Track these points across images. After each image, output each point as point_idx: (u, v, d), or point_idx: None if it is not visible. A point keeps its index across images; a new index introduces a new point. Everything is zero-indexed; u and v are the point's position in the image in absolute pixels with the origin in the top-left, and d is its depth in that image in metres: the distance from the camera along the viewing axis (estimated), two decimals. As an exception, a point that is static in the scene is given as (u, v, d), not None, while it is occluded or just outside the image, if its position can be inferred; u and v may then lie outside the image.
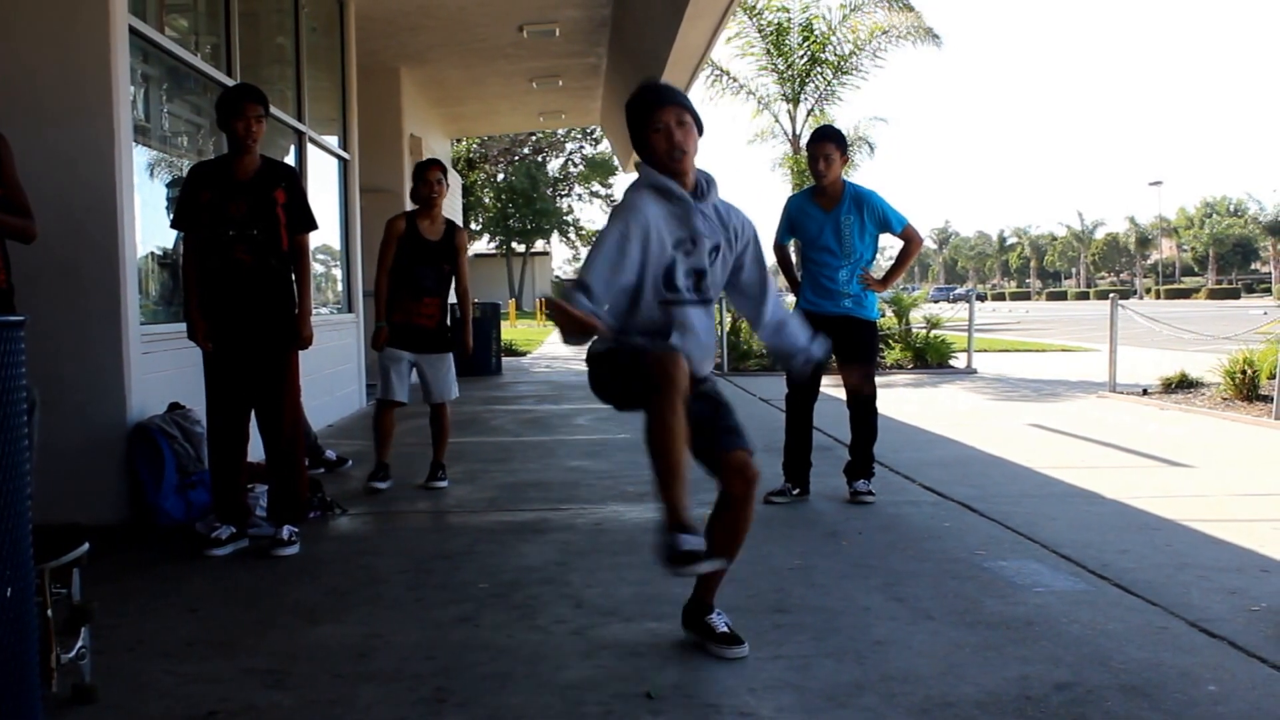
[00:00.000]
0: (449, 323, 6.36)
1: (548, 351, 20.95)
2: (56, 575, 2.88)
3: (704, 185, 3.25)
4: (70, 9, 5.09)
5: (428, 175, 6.12)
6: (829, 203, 5.65)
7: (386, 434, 6.26)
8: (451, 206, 17.98)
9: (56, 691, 2.84)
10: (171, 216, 4.87)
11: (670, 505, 2.96)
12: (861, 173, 21.17)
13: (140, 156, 5.96)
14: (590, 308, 3.04)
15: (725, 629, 3.33)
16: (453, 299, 6.45)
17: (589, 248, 3.39)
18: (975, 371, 14.21)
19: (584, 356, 3.38)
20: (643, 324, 3.19)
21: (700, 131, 3.21)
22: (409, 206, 6.41)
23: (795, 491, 5.70)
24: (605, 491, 6.08)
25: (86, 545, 2.95)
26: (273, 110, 7.58)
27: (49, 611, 2.80)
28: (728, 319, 15.60)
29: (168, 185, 6.50)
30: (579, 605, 3.86)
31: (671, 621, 3.58)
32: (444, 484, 6.28)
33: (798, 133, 18.34)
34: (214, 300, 4.71)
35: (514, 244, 59.34)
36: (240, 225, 4.64)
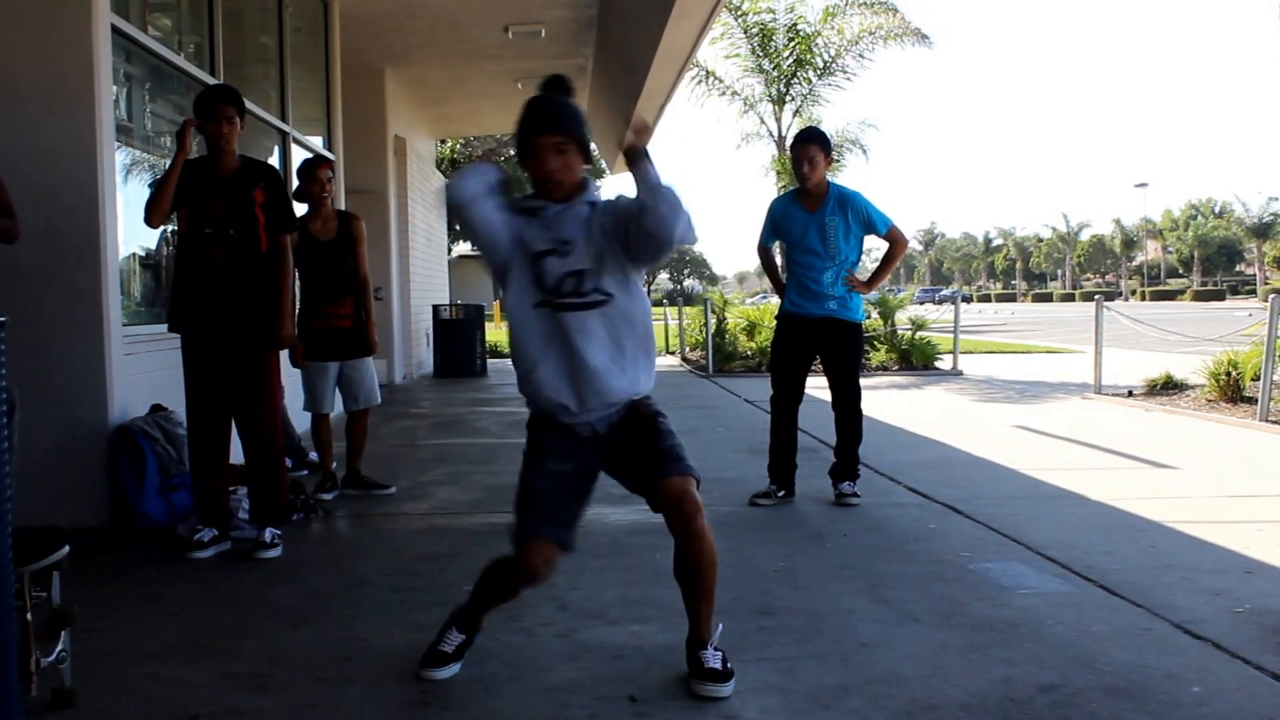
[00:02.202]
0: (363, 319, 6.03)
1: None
2: (36, 578, 2.86)
3: (584, 186, 3.05)
4: (53, 8, 5.05)
5: (317, 174, 5.90)
6: (813, 204, 5.64)
7: (326, 444, 6.12)
8: (440, 210, 17.96)
9: (36, 695, 2.82)
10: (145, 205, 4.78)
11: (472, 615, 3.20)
12: (848, 174, 21.25)
13: (123, 156, 5.92)
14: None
15: (714, 665, 3.03)
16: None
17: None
18: (961, 373, 14.24)
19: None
20: (535, 340, 3.01)
21: (586, 156, 3.03)
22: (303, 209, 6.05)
23: (780, 493, 5.70)
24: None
25: (67, 548, 2.92)
26: (256, 110, 7.58)
27: (28, 615, 2.77)
28: (713, 320, 15.62)
29: (150, 185, 6.46)
30: (563, 608, 3.84)
31: (655, 624, 3.57)
32: (332, 495, 5.98)
33: (783, 134, 18.37)
34: (192, 300, 4.68)
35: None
36: (218, 224, 4.61)
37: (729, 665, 3.04)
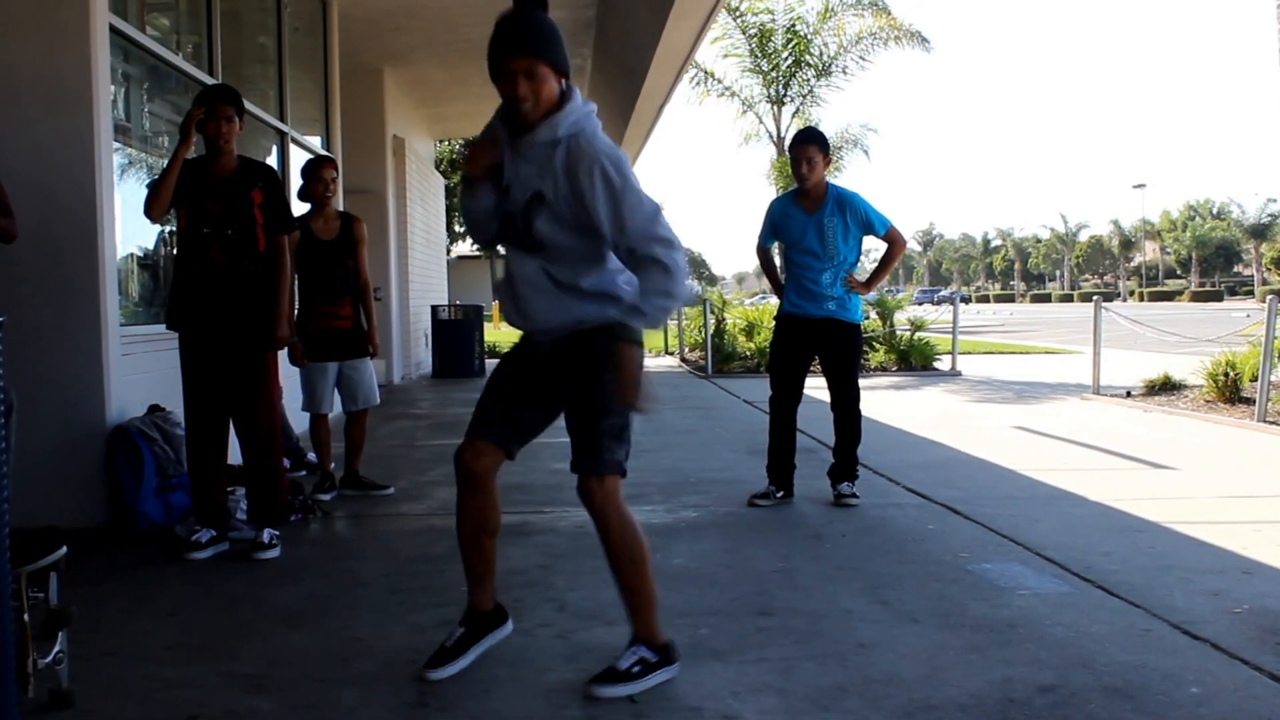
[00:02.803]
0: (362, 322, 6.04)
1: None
2: (34, 579, 2.85)
3: (554, 119, 2.90)
4: (51, 7, 5.05)
5: (321, 174, 5.90)
6: (812, 205, 5.64)
7: (325, 444, 6.11)
8: (437, 209, 17.95)
9: (33, 696, 2.81)
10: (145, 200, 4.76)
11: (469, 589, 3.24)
12: (851, 175, 21.31)
13: (121, 156, 5.92)
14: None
15: (617, 665, 3.01)
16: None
17: None
18: (959, 374, 14.24)
19: None
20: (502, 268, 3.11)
21: (563, 73, 2.92)
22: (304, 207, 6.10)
23: (779, 494, 5.70)
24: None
25: (64, 548, 2.92)
26: (255, 110, 7.57)
27: (26, 615, 2.77)
28: (711, 320, 15.61)
29: (148, 186, 6.45)
30: (562, 608, 3.84)
31: (655, 624, 3.57)
32: (330, 496, 5.97)
33: (782, 134, 18.38)
34: (190, 300, 4.68)
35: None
36: (216, 224, 4.61)
37: (637, 669, 2.98)
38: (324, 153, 9.48)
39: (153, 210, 4.66)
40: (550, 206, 2.91)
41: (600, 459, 2.98)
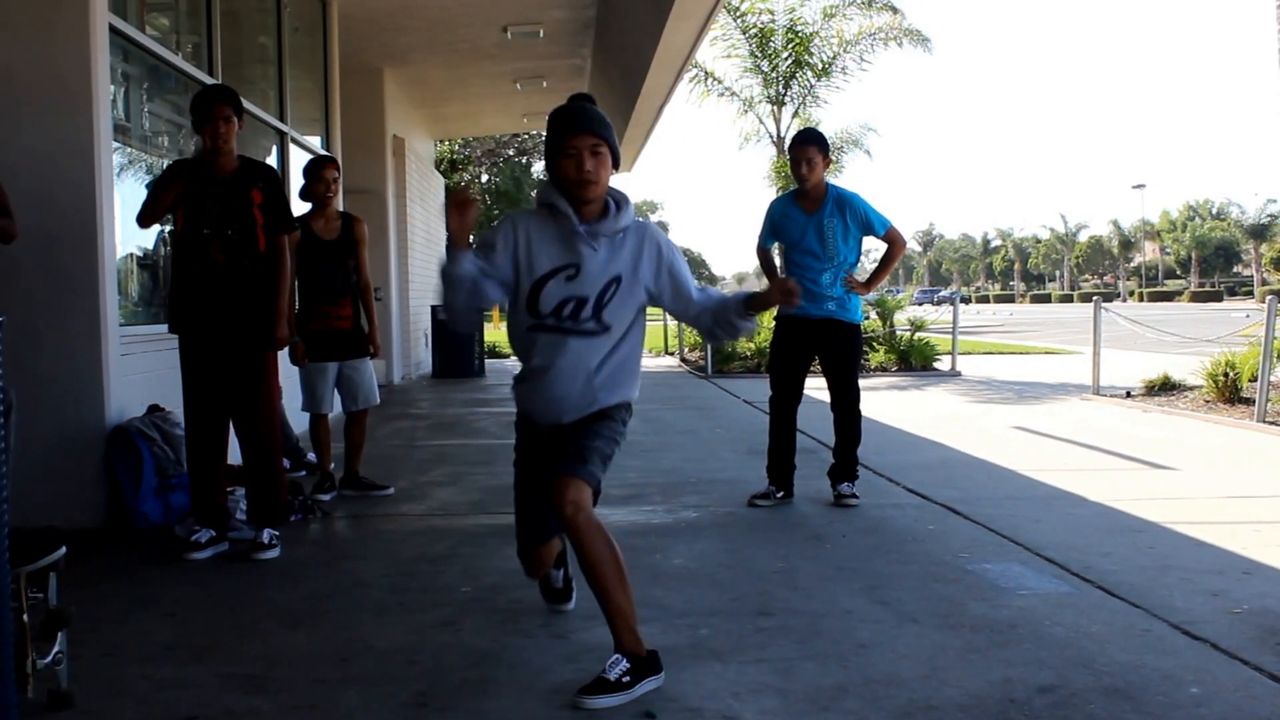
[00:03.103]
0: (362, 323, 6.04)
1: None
2: (33, 579, 2.85)
3: (612, 209, 3.11)
4: (50, 7, 5.05)
5: (323, 174, 5.90)
6: (812, 205, 5.64)
7: (325, 445, 6.10)
8: (436, 208, 17.95)
9: (32, 697, 2.81)
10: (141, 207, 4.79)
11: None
12: (848, 175, 21.35)
13: (120, 156, 5.92)
14: (469, 268, 3.01)
15: (604, 674, 2.96)
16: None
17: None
18: (959, 374, 14.25)
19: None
20: (518, 348, 3.20)
21: (616, 163, 3.10)
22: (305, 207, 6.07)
23: (779, 494, 5.70)
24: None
25: (64, 549, 2.92)
26: (255, 110, 7.57)
27: (25, 616, 2.77)
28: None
29: (148, 185, 6.46)
30: (562, 609, 3.84)
31: (654, 626, 3.57)
32: (330, 496, 5.97)
33: (782, 135, 18.37)
34: (189, 300, 4.68)
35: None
36: (216, 224, 4.61)
37: (626, 679, 2.94)
38: (326, 153, 9.48)
39: (144, 222, 4.72)
40: (623, 290, 3.10)
41: (586, 466, 3.05)
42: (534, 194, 3.19)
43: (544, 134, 3.16)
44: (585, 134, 3.02)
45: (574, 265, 3.07)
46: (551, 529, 3.29)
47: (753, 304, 3.14)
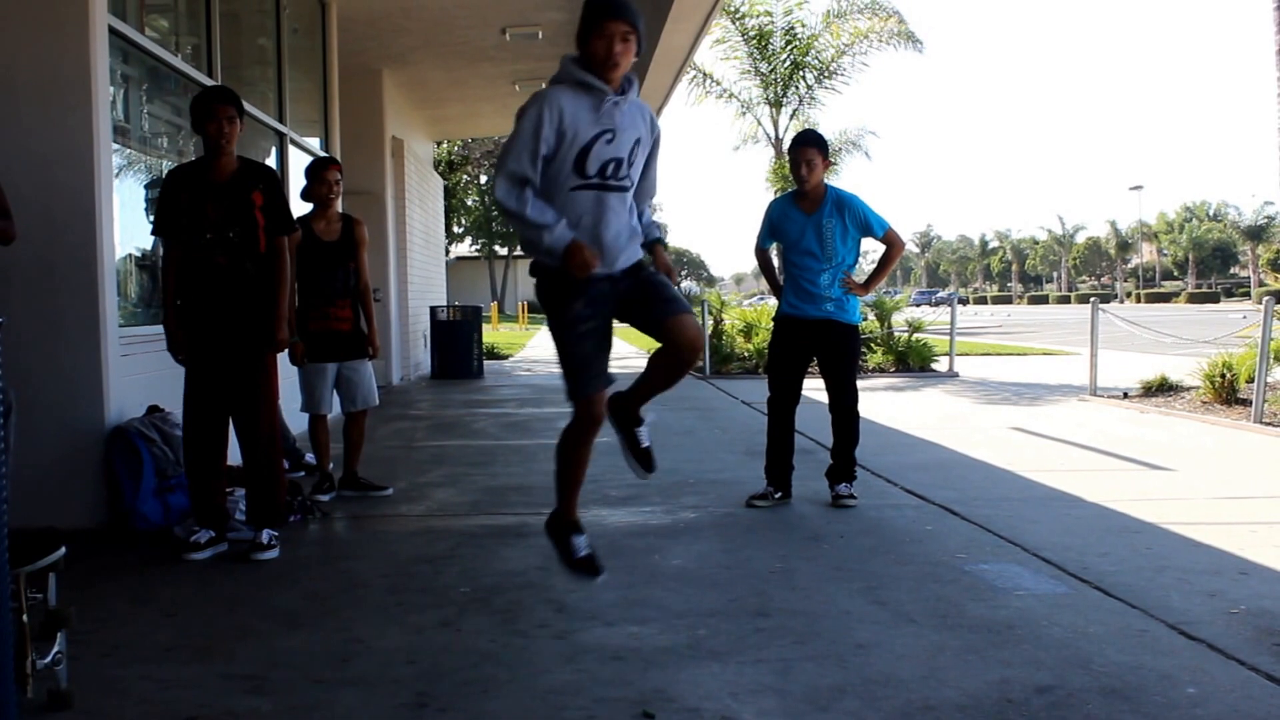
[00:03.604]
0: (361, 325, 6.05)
1: (529, 355, 20.93)
2: (32, 580, 2.86)
3: (626, 84, 3.46)
4: (49, 8, 5.06)
5: (325, 175, 5.91)
6: (810, 206, 5.65)
7: (324, 445, 6.11)
8: (435, 210, 17.96)
9: (32, 697, 2.81)
10: (151, 222, 4.84)
11: (566, 505, 3.62)
12: (846, 176, 21.42)
13: (119, 157, 5.92)
14: (548, 216, 3.34)
15: (647, 444, 3.65)
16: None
17: (506, 138, 3.54)
18: (957, 375, 14.26)
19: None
20: (570, 217, 3.41)
21: (640, 48, 3.43)
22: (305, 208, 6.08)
23: (777, 495, 5.71)
24: (587, 495, 6.00)
25: (63, 549, 2.93)
26: (254, 112, 7.57)
27: (25, 616, 2.77)
28: (709, 321, 15.62)
29: (147, 187, 6.46)
30: (560, 609, 3.85)
31: (654, 625, 3.58)
32: (329, 497, 5.97)
33: (780, 137, 18.39)
34: (190, 303, 4.69)
35: (496, 247, 59.29)
36: (217, 227, 4.61)
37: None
38: (327, 154, 9.48)
39: (163, 233, 4.81)
40: (640, 149, 3.52)
41: (685, 302, 3.53)
42: (558, 71, 3.53)
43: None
44: (621, 20, 3.34)
45: (610, 130, 3.40)
46: (608, 378, 3.55)
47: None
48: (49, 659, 2.86)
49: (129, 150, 6.28)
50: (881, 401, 10.96)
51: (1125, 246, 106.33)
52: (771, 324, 5.96)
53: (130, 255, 6.23)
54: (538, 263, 3.47)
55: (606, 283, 3.46)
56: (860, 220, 5.63)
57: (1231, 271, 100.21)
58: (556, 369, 3.64)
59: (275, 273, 4.74)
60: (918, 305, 37.72)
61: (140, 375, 5.53)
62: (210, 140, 4.64)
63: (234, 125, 4.66)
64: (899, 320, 15.87)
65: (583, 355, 3.48)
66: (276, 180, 4.88)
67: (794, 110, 18.44)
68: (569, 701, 2.97)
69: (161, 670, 3.26)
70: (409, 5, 10.44)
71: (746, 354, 15.70)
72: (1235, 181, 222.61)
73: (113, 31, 5.44)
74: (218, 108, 4.63)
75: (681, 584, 4.13)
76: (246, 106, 5.50)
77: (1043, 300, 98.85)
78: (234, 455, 4.92)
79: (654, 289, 3.51)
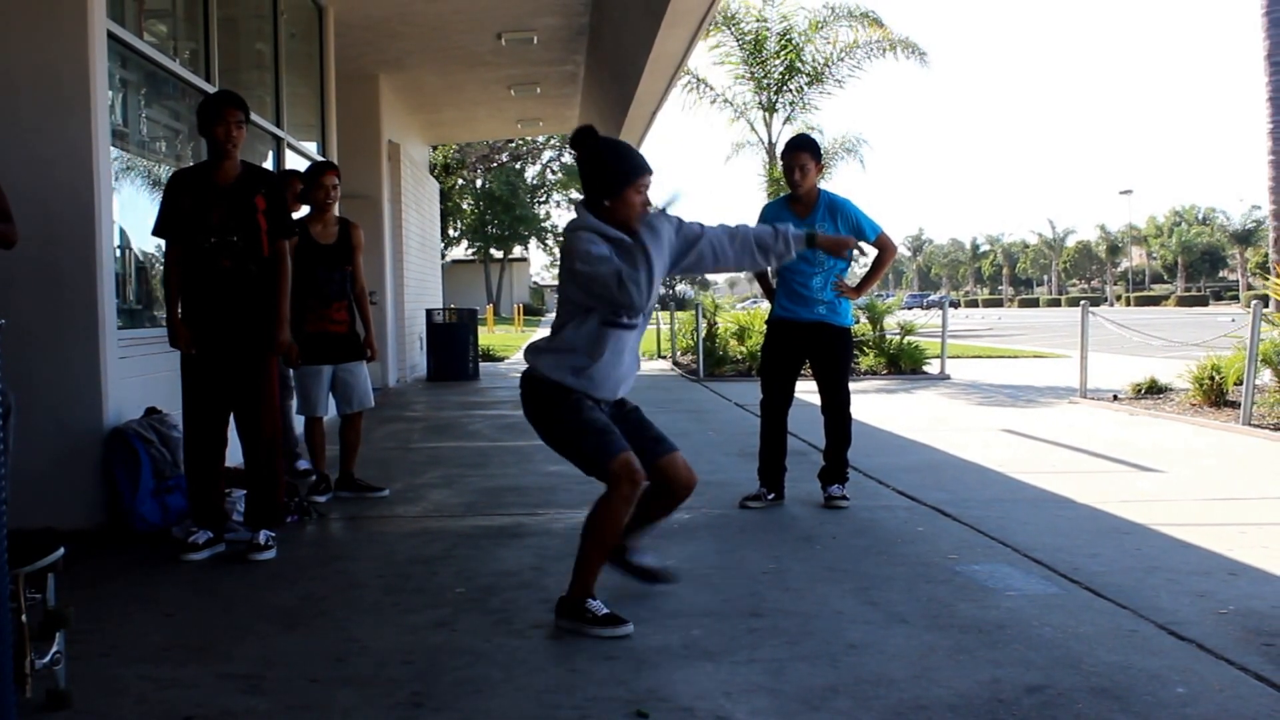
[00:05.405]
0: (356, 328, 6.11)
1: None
2: (31, 580, 2.87)
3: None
4: (48, 13, 5.08)
5: (323, 180, 5.95)
6: (804, 210, 5.68)
7: (320, 447, 6.13)
8: (431, 214, 17.97)
9: (30, 697, 2.83)
10: (153, 224, 4.85)
11: (588, 587, 3.60)
12: (838, 180, 21.45)
13: (118, 161, 5.94)
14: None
15: (647, 562, 3.97)
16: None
17: (589, 288, 3.60)
18: (948, 377, 14.30)
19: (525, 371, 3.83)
20: (581, 341, 3.61)
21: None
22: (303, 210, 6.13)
23: (770, 496, 5.74)
24: (582, 496, 6.07)
25: (62, 550, 2.94)
26: (252, 116, 7.58)
27: (23, 616, 2.79)
28: (703, 325, 15.65)
29: (146, 190, 6.48)
30: (555, 610, 3.86)
31: (648, 625, 3.60)
32: (326, 498, 6.00)
33: (774, 141, 18.42)
34: (194, 306, 4.71)
35: (492, 250, 59.30)
36: (220, 231, 4.64)
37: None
38: (324, 159, 9.49)
39: (165, 234, 4.82)
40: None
41: (669, 440, 3.80)
42: (583, 225, 3.64)
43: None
44: (650, 174, 3.64)
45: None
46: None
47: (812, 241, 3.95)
48: (48, 659, 2.87)
49: (128, 154, 6.29)
50: (873, 404, 11.00)
51: (1115, 250, 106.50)
52: (764, 327, 5.98)
53: (129, 257, 6.25)
54: (533, 376, 3.74)
55: (607, 406, 3.72)
56: (852, 224, 5.65)
57: (1220, 275, 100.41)
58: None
59: (277, 276, 4.78)
60: (909, 308, 37.81)
61: (138, 377, 5.55)
62: (217, 144, 4.66)
63: (241, 130, 4.69)
64: (891, 323, 15.90)
65: (598, 422, 3.60)
66: (278, 184, 4.91)
67: (788, 115, 18.47)
68: (563, 701, 2.99)
69: (159, 670, 3.28)
70: (406, 11, 10.46)
71: (740, 356, 15.72)
72: (1224, 186, 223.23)
73: (111, 36, 5.46)
74: (227, 111, 4.65)
75: (675, 584, 4.15)
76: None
77: (1033, 303, 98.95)
78: (232, 456, 4.94)
79: (640, 426, 3.76)
